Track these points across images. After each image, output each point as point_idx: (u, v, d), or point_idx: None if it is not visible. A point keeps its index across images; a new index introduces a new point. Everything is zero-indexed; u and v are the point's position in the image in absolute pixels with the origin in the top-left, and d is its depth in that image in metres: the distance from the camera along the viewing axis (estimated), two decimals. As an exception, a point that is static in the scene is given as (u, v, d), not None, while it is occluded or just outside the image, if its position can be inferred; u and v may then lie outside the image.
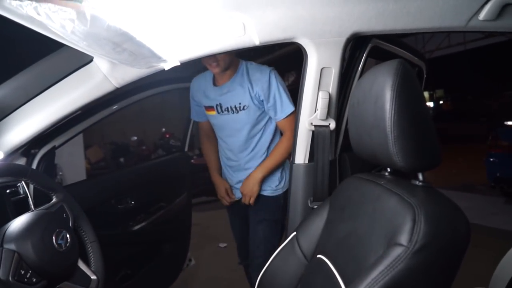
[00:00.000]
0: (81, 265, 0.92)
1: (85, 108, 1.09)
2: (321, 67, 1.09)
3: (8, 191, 1.03)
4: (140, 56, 0.88)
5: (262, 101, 1.44)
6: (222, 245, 3.09)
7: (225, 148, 1.60)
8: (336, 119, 1.17)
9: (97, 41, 0.74)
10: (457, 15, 0.98)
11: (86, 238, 0.99)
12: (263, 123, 1.51)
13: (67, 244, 0.86)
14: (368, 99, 0.75)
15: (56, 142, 1.27)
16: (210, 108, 1.56)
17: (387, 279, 0.60)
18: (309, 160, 1.18)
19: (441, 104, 15.42)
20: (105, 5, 0.65)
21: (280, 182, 1.55)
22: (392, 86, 0.68)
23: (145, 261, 1.79)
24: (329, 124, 1.14)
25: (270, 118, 1.50)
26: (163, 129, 8.03)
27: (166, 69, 0.98)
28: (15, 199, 1.02)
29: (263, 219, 1.54)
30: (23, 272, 0.76)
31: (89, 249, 0.99)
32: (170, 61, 0.95)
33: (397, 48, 1.39)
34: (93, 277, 0.93)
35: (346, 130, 1.24)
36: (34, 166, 1.20)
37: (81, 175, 4.44)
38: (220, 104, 1.51)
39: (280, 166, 1.52)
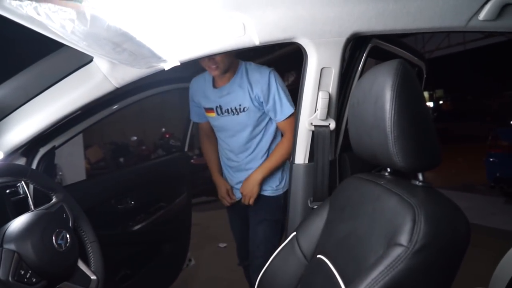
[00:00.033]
0: (81, 265, 0.92)
1: (85, 108, 1.09)
2: (321, 67, 1.09)
3: (8, 191, 1.03)
4: (140, 56, 0.88)
5: (262, 102, 1.44)
6: (222, 245, 3.09)
7: (226, 149, 1.60)
8: (336, 119, 1.17)
9: (97, 41, 0.74)
10: (457, 15, 0.98)
11: (86, 238, 0.99)
12: (263, 124, 1.50)
13: (67, 244, 0.86)
14: (368, 99, 0.75)
15: (56, 142, 1.27)
16: (210, 110, 1.56)
17: (387, 279, 0.60)
18: (309, 160, 1.18)
19: (441, 104, 15.40)
20: (105, 5, 0.65)
21: (280, 182, 1.54)
22: (392, 86, 0.68)
23: (145, 261, 1.79)
24: (329, 124, 1.14)
25: (271, 119, 1.49)
26: (163, 129, 8.04)
27: (166, 69, 0.98)
28: (15, 199, 1.02)
29: (263, 219, 1.54)
30: (23, 272, 0.76)
31: (89, 249, 0.98)
32: (170, 61, 0.95)
33: (397, 48, 1.39)
34: (93, 277, 0.93)
35: (346, 130, 1.24)
36: (34, 166, 1.20)
37: (81, 175, 4.44)
38: (220, 106, 1.51)
39: (280, 167, 1.51)
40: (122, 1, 0.70)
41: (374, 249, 0.69)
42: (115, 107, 1.52)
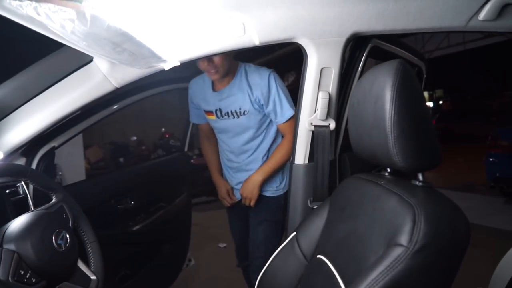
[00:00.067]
0: (81, 265, 0.92)
1: (84, 108, 1.09)
2: (321, 67, 1.09)
3: (7, 191, 1.03)
4: (140, 56, 0.88)
5: (263, 105, 1.42)
6: (222, 245, 3.09)
7: (226, 150, 1.59)
8: (336, 119, 1.17)
9: (97, 41, 0.74)
10: (457, 15, 0.98)
11: (85, 238, 0.99)
12: (264, 126, 1.49)
13: (67, 244, 0.86)
14: (368, 99, 0.75)
15: (55, 142, 1.27)
16: (209, 112, 1.55)
17: (387, 280, 0.60)
18: (309, 160, 1.18)
19: (441, 104, 15.37)
20: (105, 5, 0.65)
21: (281, 183, 1.54)
22: (392, 86, 0.68)
23: (145, 261, 1.79)
24: (329, 124, 1.14)
25: (271, 120, 1.48)
26: (163, 129, 8.04)
27: (166, 69, 0.98)
28: (14, 199, 1.02)
29: (263, 220, 1.53)
30: (22, 272, 0.76)
31: (89, 249, 0.98)
32: (170, 61, 0.95)
33: (397, 48, 1.39)
34: (93, 277, 0.93)
35: (346, 130, 1.24)
36: (33, 166, 1.19)
37: (81, 175, 4.44)
38: (220, 109, 1.49)
39: (280, 168, 1.50)
40: (122, 1, 0.70)
41: (374, 249, 0.69)
42: (115, 107, 1.52)
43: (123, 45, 0.79)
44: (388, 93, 0.69)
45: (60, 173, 3.97)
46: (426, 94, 14.34)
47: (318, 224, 0.96)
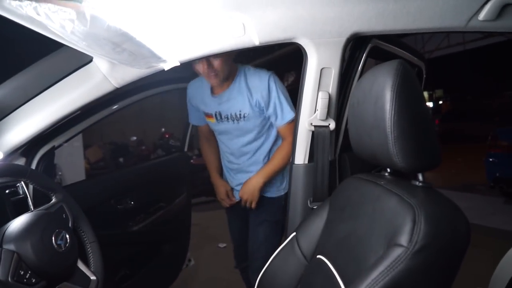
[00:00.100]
0: (81, 265, 0.92)
1: (84, 108, 1.09)
2: (321, 67, 1.09)
3: (7, 191, 1.03)
4: (140, 56, 0.88)
5: (263, 108, 1.41)
6: (222, 245, 3.09)
7: (226, 152, 1.58)
8: (336, 119, 1.17)
9: (96, 41, 0.74)
10: (457, 15, 0.98)
11: (85, 239, 0.99)
12: (265, 128, 1.48)
13: (67, 245, 0.86)
14: (368, 99, 0.75)
15: (55, 142, 1.27)
16: (209, 115, 1.53)
17: (387, 280, 0.60)
18: (309, 161, 1.18)
19: (442, 104, 15.32)
20: (105, 6, 0.65)
21: (282, 184, 1.53)
22: (392, 87, 0.68)
23: (144, 261, 1.79)
24: (329, 124, 1.14)
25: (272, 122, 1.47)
26: (163, 129, 8.04)
27: (165, 69, 0.98)
28: (14, 199, 1.02)
29: (264, 220, 1.52)
30: (22, 272, 0.76)
31: (89, 249, 0.98)
32: (169, 61, 0.95)
33: (396, 48, 1.39)
34: (93, 277, 0.93)
35: (346, 130, 1.24)
36: (33, 166, 1.19)
37: (81, 175, 4.44)
38: (220, 112, 1.48)
39: (281, 171, 1.49)
40: (122, 1, 0.70)
41: (374, 249, 0.68)
42: (114, 107, 1.52)
43: (123, 45, 0.79)
44: (388, 93, 0.69)
45: (60, 173, 3.97)
46: (426, 94, 14.34)
47: (318, 224, 0.96)
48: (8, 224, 0.83)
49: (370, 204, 0.77)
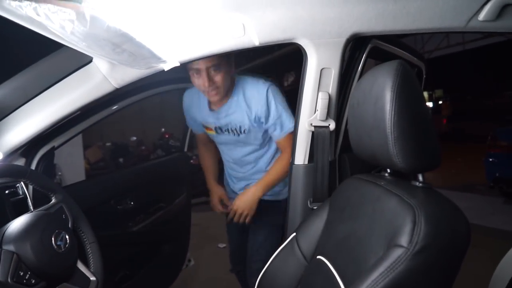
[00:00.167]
0: (80, 266, 0.91)
1: (84, 109, 1.09)
2: (321, 68, 1.09)
3: (7, 191, 1.03)
4: (139, 57, 0.88)
5: (262, 121, 1.37)
6: (222, 245, 3.09)
7: (229, 161, 1.57)
8: (336, 119, 1.16)
9: (96, 42, 0.74)
10: (457, 16, 0.98)
11: (85, 239, 0.99)
12: (267, 139, 1.45)
13: (66, 245, 0.86)
14: (368, 100, 0.75)
15: (55, 143, 1.27)
16: (208, 128, 1.50)
17: (387, 281, 0.60)
18: (309, 161, 1.18)
19: (449, 103, 15.17)
20: (105, 6, 0.65)
21: (284, 188, 1.49)
22: (392, 87, 0.68)
23: (144, 261, 1.79)
24: (329, 124, 1.14)
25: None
26: (163, 129, 8.03)
27: (165, 69, 0.98)
28: (14, 199, 1.02)
29: (264, 223, 1.51)
30: (22, 273, 0.76)
31: (88, 250, 0.98)
32: (169, 62, 0.95)
33: (396, 48, 1.39)
34: (92, 278, 0.93)
35: (346, 130, 1.24)
36: (33, 166, 1.19)
37: (80, 175, 4.43)
38: (219, 126, 1.45)
39: (281, 181, 1.44)
40: (121, 2, 0.70)
41: (374, 250, 0.68)
42: (114, 107, 1.52)
43: (122, 45, 0.79)
44: (388, 93, 0.69)
45: (59, 173, 3.96)
46: (425, 94, 14.31)
47: (318, 224, 0.96)
48: (8, 224, 0.82)
49: (370, 204, 0.77)
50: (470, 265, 0.91)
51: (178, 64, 0.98)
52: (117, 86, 1.04)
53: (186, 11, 0.94)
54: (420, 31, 1.04)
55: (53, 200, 0.95)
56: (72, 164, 4.18)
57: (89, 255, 0.98)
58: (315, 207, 1.12)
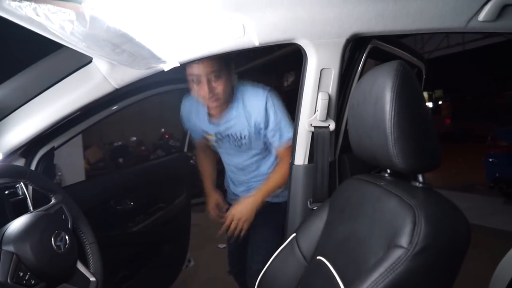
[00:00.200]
0: (80, 266, 0.91)
1: (84, 109, 1.09)
2: (321, 68, 1.08)
3: (6, 192, 1.03)
4: (139, 57, 0.87)
5: (261, 129, 1.36)
6: (221, 245, 3.08)
7: (230, 165, 1.57)
8: (336, 120, 1.16)
9: (96, 42, 0.74)
10: (456, 16, 0.98)
11: (85, 240, 0.98)
12: (268, 144, 1.45)
13: (66, 246, 0.86)
14: (368, 100, 0.75)
15: (55, 143, 1.27)
16: (208, 135, 1.50)
17: (387, 281, 0.60)
18: (309, 161, 1.18)
19: (449, 103, 15.16)
20: (105, 6, 0.65)
21: (283, 189, 1.45)
22: (392, 88, 0.68)
23: (144, 262, 1.79)
24: (329, 125, 1.14)
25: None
26: (162, 130, 8.02)
27: (165, 70, 0.98)
28: (13, 200, 1.02)
29: (265, 224, 1.50)
30: (21, 274, 0.75)
31: (88, 250, 0.98)
32: (169, 62, 0.95)
33: (396, 49, 1.39)
34: (92, 278, 0.93)
35: (346, 131, 1.24)
36: (33, 167, 1.19)
37: (80, 176, 4.43)
38: (220, 133, 1.45)
39: (280, 189, 1.42)
40: (121, 2, 0.70)
41: (374, 250, 0.68)
42: (114, 108, 1.52)
43: (122, 46, 0.79)
44: (388, 94, 0.69)
45: (59, 173, 3.96)
46: (425, 94, 14.32)
47: (318, 225, 0.96)
48: (8, 225, 0.82)
49: (370, 205, 0.77)
50: (470, 265, 0.91)
51: (178, 65, 0.98)
52: (117, 87, 1.04)
53: (186, 12, 0.94)
54: (420, 31, 1.04)
55: (53, 201, 0.95)
56: (72, 164, 4.18)
57: (89, 256, 0.98)
58: (315, 208, 1.12)
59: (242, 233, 1.37)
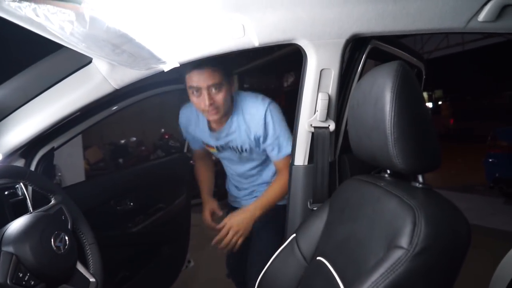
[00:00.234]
0: (80, 267, 0.91)
1: (84, 110, 1.09)
2: (321, 69, 1.08)
3: (6, 192, 1.03)
4: (139, 58, 0.88)
5: (261, 141, 1.36)
6: (222, 246, 3.08)
7: (232, 174, 1.57)
8: (336, 120, 1.16)
9: (96, 43, 0.74)
10: (456, 16, 0.98)
11: (84, 240, 0.98)
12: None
13: (66, 247, 0.86)
14: (368, 100, 0.75)
15: (55, 143, 1.27)
16: (209, 146, 1.49)
17: (387, 282, 0.60)
18: (309, 162, 1.18)
19: (449, 104, 15.16)
20: (104, 7, 0.65)
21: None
22: (392, 88, 0.68)
23: (144, 262, 1.78)
24: (329, 125, 1.14)
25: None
26: (162, 130, 8.02)
27: (165, 70, 0.98)
28: (13, 201, 1.02)
29: (266, 225, 1.49)
30: (21, 275, 0.75)
31: (88, 251, 0.98)
32: (169, 63, 0.95)
33: (396, 49, 1.39)
34: (92, 279, 0.93)
35: (346, 131, 1.24)
36: (32, 167, 1.19)
37: (80, 176, 4.44)
38: (221, 145, 1.44)
39: (279, 201, 1.40)
40: (121, 3, 0.70)
41: (374, 251, 0.68)
42: (114, 108, 1.52)
43: (122, 46, 0.79)
44: (388, 94, 0.69)
45: (59, 173, 3.96)
46: (425, 94, 14.33)
47: (318, 225, 0.96)
48: (7, 226, 0.82)
49: (370, 205, 0.77)
50: (470, 265, 0.91)
51: (178, 65, 0.98)
52: (117, 87, 1.04)
53: (186, 12, 0.94)
54: (420, 31, 1.04)
55: (53, 201, 0.95)
56: (72, 164, 4.18)
57: (89, 256, 0.98)
58: (315, 208, 1.12)
59: (236, 247, 1.34)
